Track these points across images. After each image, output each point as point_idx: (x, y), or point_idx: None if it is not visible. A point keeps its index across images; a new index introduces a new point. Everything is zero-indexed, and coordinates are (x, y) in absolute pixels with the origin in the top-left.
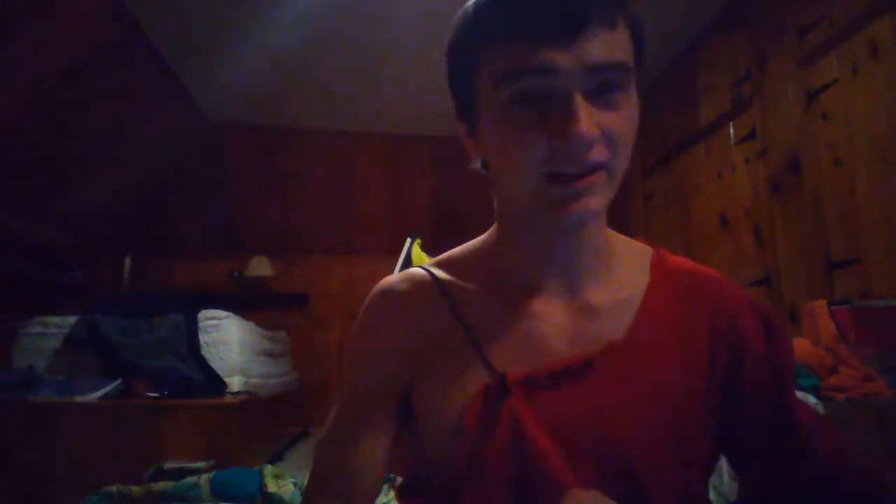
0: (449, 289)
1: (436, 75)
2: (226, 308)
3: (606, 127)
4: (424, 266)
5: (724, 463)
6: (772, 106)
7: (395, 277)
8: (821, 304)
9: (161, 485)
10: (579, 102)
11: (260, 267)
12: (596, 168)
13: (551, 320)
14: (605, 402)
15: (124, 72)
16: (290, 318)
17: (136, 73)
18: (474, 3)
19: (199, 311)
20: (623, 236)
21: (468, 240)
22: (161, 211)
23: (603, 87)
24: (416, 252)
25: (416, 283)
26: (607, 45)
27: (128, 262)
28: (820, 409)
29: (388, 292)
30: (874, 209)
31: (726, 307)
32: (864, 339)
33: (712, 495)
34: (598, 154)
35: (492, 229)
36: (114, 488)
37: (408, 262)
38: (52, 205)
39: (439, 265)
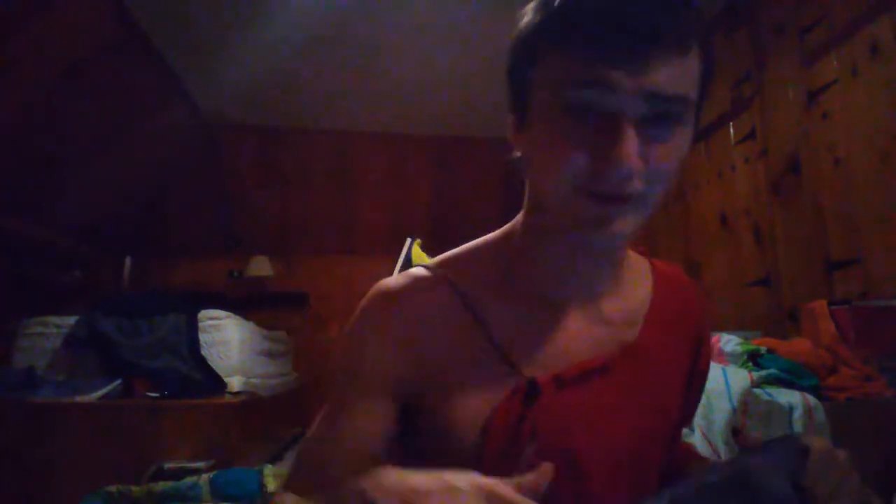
0: (462, 290)
1: (436, 75)
2: (226, 308)
3: (653, 161)
4: (428, 265)
5: None
6: (772, 106)
7: (396, 278)
8: (821, 305)
9: (161, 485)
10: (629, 132)
11: (260, 267)
12: (631, 196)
13: (570, 326)
14: (625, 401)
15: (124, 72)
16: (290, 318)
17: (136, 73)
18: (545, 2)
19: (199, 311)
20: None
21: (468, 240)
22: (161, 211)
23: (659, 117)
24: (416, 252)
25: (421, 284)
26: (674, 76)
27: (128, 262)
28: (820, 409)
29: (390, 294)
30: (874, 209)
31: (698, 318)
32: (864, 339)
33: None
34: (636, 185)
35: (509, 230)
36: (114, 488)
37: (408, 263)
38: (52, 205)
39: (446, 264)
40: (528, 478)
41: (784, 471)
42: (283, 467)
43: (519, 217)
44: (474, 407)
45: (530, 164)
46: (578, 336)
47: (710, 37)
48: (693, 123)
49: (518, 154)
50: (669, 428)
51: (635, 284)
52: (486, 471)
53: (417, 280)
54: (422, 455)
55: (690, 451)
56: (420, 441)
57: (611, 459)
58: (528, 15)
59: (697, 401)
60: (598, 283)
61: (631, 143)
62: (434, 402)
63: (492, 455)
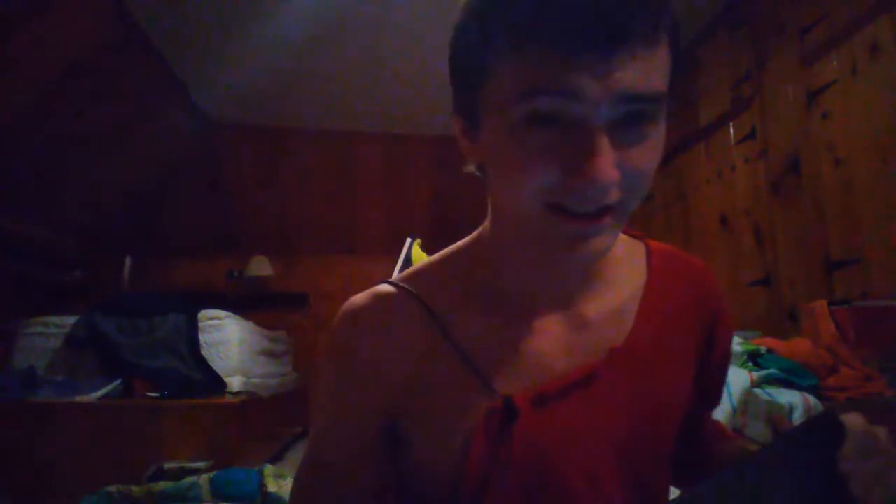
0: (432, 305)
1: (436, 76)
2: (226, 308)
3: (628, 167)
4: (394, 281)
5: None
6: (772, 106)
7: (362, 297)
8: (821, 305)
9: (161, 485)
10: (602, 142)
11: (260, 267)
12: (607, 209)
13: (547, 335)
14: (612, 411)
15: (124, 72)
16: (290, 318)
17: (136, 73)
18: None
19: (199, 311)
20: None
21: None
22: (161, 211)
23: (632, 117)
24: (416, 252)
25: (390, 302)
26: (645, 72)
27: (128, 262)
28: (820, 409)
29: (357, 315)
30: (874, 209)
31: (710, 301)
32: (864, 339)
33: None
34: (613, 196)
35: (476, 238)
36: (114, 488)
37: (408, 263)
38: (52, 205)
39: (413, 279)
40: None
41: (815, 456)
42: (283, 467)
43: (486, 224)
44: (450, 432)
45: (490, 176)
46: (558, 346)
47: (676, 16)
48: (666, 115)
49: (472, 165)
50: (673, 424)
51: (624, 278)
52: (467, 500)
53: (383, 298)
54: (407, 481)
55: (721, 432)
56: (403, 466)
57: (601, 474)
58: (469, 8)
59: (721, 383)
60: (576, 287)
61: (605, 155)
62: (408, 428)
63: (471, 483)
